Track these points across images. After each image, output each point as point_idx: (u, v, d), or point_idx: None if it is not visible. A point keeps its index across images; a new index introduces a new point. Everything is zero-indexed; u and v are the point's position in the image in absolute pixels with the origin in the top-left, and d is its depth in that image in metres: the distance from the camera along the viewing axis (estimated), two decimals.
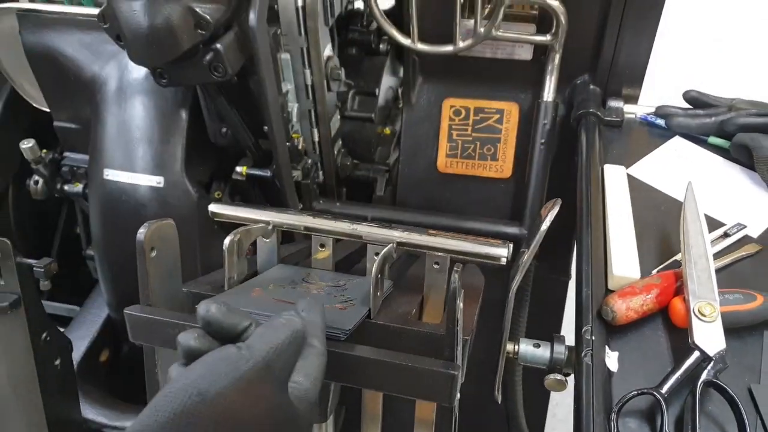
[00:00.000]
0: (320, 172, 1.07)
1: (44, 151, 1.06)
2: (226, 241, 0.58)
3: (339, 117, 1.09)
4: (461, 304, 0.49)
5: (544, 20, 0.97)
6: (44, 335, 0.84)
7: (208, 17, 0.71)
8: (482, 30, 0.92)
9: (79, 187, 1.06)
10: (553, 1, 0.90)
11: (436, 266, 0.64)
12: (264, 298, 0.57)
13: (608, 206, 0.76)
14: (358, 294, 0.61)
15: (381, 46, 1.22)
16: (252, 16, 0.74)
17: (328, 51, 0.98)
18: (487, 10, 0.94)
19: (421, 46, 0.98)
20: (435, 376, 0.48)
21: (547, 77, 0.97)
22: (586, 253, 0.68)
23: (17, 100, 1.10)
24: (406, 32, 0.99)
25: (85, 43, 0.97)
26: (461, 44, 0.95)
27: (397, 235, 0.64)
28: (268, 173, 0.92)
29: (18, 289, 0.78)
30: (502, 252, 0.62)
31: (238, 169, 0.93)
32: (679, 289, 0.63)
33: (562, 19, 0.91)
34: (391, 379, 0.49)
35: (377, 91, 1.16)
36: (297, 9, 0.87)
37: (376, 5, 0.96)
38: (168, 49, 0.72)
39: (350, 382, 0.50)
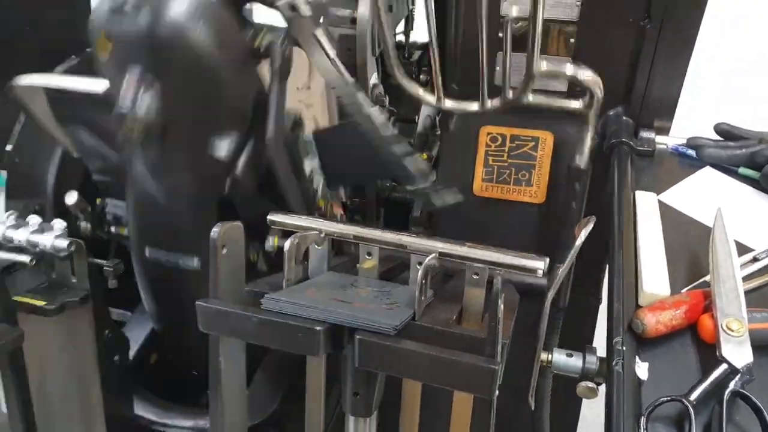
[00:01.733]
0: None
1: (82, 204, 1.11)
2: (287, 243, 0.64)
3: None
4: (502, 305, 0.54)
5: (577, 57, 1.02)
6: (107, 332, 0.91)
7: (222, 154, 0.77)
8: (510, 96, 0.89)
9: (124, 231, 1.07)
10: (587, 75, 0.85)
11: (475, 277, 0.68)
12: (318, 297, 0.62)
13: (639, 229, 0.80)
14: (403, 299, 0.66)
15: (421, 76, 1.29)
16: (270, 133, 0.79)
17: (374, 79, 1.05)
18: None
19: (447, 105, 0.95)
20: (477, 370, 0.52)
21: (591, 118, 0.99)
22: (618, 271, 0.72)
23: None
24: (447, 71, 1.03)
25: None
26: (488, 105, 0.92)
27: (440, 246, 0.69)
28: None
29: (88, 286, 0.85)
30: (539, 264, 0.66)
31: (269, 242, 0.92)
32: (708, 308, 0.67)
33: (598, 93, 0.87)
34: (437, 372, 0.53)
35: (416, 118, 1.23)
36: (331, 60, 0.91)
37: (401, 70, 0.94)
38: (187, 191, 0.80)
39: (398, 374, 0.55)
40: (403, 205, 1.20)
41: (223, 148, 0.78)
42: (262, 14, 0.81)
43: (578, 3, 1.00)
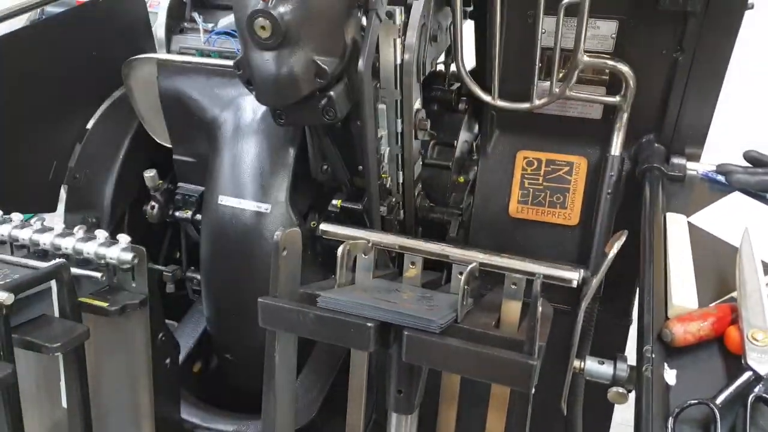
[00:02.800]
0: (401, 211, 1.19)
1: (160, 182, 1.22)
2: (339, 250, 0.70)
3: (421, 163, 1.21)
4: (540, 308, 0.59)
5: (613, 84, 1.08)
6: (161, 335, 0.97)
7: (326, 68, 0.86)
8: (557, 90, 1.04)
9: (188, 214, 1.20)
10: (623, 66, 1.00)
11: (513, 287, 0.73)
12: (367, 298, 0.68)
13: (669, 247, 0.84)
14: (445, 303, 0.71)
15: (460, 105, 1.36)
16: (361, 63, 0.88)
17: (417, 104, 1.12)
18: (562, 74, 1.05)
19: (501, 103, 1.09)
20: (517, 365, 0.57)
21: (615, 134, 1.07)
22: (649, 285, 0.76)
23: (141, 136, 1.29)
24: (486, 90, 1.11)
25: (209, 90, 1.15)
26: (537, 102, 1.07)
27: (480, 256, 0.74)
28: (359, 206, 1.05)
29: (146, 290, 0.92)
30: (574, 275, 0.71)
31: (334, 201, 1.06)
32: (735, 321, 0.70)
33: (631, 83, 1.01)
34: (479, 367, 0.58)
35: (455, 143, 1.29)
36: (396, 66, 1.01)
37: (464, 67, 1.09)
38: (290, 93, 0.87)
39: (443, 368, 0.60)
40: (440, 224, 1.25)
41: (328, 63, 0.86)
42: None
43: (613, 36, 1.05)
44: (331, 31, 0.87)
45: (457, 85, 1.45)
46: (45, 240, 0.89)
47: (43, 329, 0.79)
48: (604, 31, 1.05)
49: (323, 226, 0.82)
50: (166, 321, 1.32)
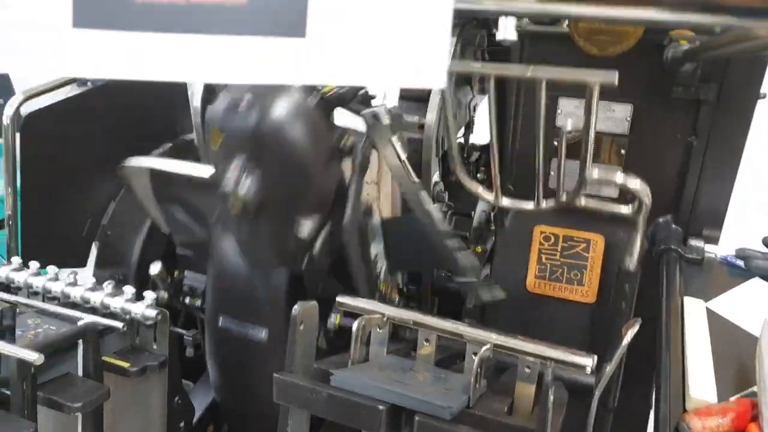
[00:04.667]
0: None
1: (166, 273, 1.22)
2: (354, 325, 0.71)
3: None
4: (552, 398, 0.59)
5: (630, 162, 1.09)
6: (177, 398, 0.98)
7: (304, 235, 0.89)
8: (564, 198, 0.96)
9: (198, 302, 1.17)
10: (635, 182, 0.92)
11: (527, 371, 0.73)
12: (381, 378, 0.68)
13: (687, 334, 0.84)
14: (458, 385, 0.71)
15: (478, 175, 1.38)
16: (346, 220, 0.90)
17: (436, 177, 1.15)
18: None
19: (504, 202, 1.03)
20: None
21: (631, 241, 1.02)
22: (665, 374, 0.76)
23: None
24: (503, 170, 1.12)
25: (206, 204, 1.09)
26: (543, 204, 0.98)
27: (494, 337, 0.75)
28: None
29: (167, 353, 0.93)
30: (588, 362, 0.71)
31: (332, 320, 1.00)
32: (755, 418, 0.69)
33: (646, 201, 0.93)
34: None
35: (473, 213, 1.31)
36: (402, 162, 1.01)
37: (464, 171, 1.04)
38: (271, 263, 0.92)
39: None
40: (457, 296, 1.25)
41: (305, 228, 0.88)
42: (347, 119, 0.94)
43: (628, 119, 1.08)
44: (305, 195, 0.91)
45: (475, 156, 1.48)
46: (75, 293, 0.92)
47: (66, 388, 0.81)
48: (619, 113, 1.08)
49: (339, 298, 0.83)
50: (185, 380, 1.34)
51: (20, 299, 0.94)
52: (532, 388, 0.72)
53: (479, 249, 1.34)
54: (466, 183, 1.04)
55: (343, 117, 0.92)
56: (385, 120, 0.93)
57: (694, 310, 0.89)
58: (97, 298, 0.92)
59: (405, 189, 0.98)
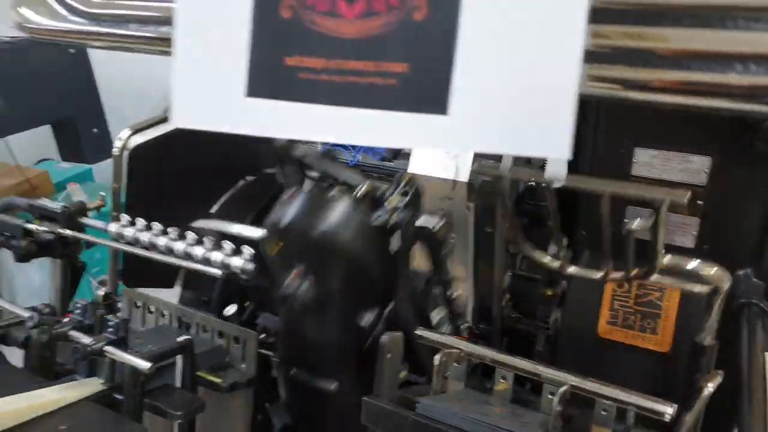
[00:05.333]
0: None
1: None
2: (436, 357, 0.76)
3: (510, 274, 1.26)
4: None
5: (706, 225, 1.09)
6: (259, 416, 1.04)
7: (364, 328, 0.93)
8: (634, 273, 0.98)
9: (270, 340, 1.26)
10: (713, 271, 0.93)
11: (603, 413, 0.75)
12: (461, 407, 0.72)
13: None
14: (535, 422, 0.74)
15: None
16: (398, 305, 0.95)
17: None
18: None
19: (570, 270, 1.08)
20: None
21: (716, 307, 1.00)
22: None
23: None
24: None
25: None
26: (612, 276, 1.02)
27: (572, 379, 0.77)
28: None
29: (254, 372, 1.00)
30: (668, 410, 0.72)
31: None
32: None
33: (724, 287, 0.94)
34: None
35: None
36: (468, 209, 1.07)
37: (528, 243, 1.10)
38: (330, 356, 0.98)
39: None
40: (527, 337, 1.28)
41: (366, 318, 0.94)
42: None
43: (706, 170, 1.09)
44: (365, 291, 0.96)
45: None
46: (179, 247, 1.04)
47: (167, 397, 0.89)
48: (696, 165, 1.09)
49: (419, 332, 0.88)
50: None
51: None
52: (609, 426, 0.74)
53: (551, 292, 1.36)
54: (528, 253, 1.09)
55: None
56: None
57: None
58: (198, 251, 1.06)
59: None
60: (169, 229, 1.08)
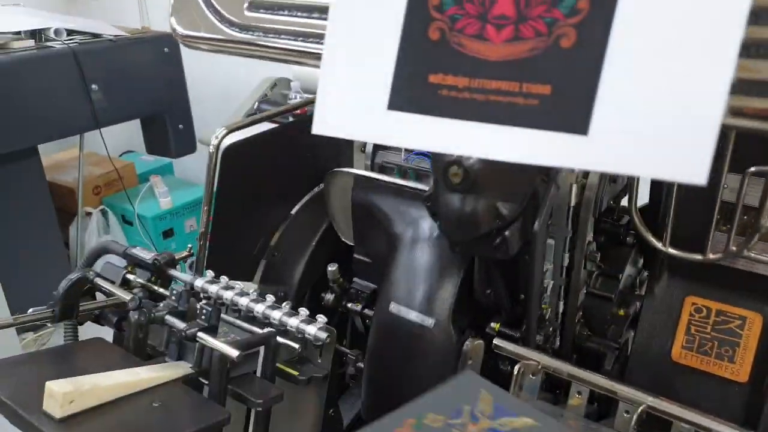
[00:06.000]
0: (558, 339, 1.23)
1: (339, 276, 1.37)
2: (516, 368, 0.78)
3: (584, 291, 1.26)
4: None
5: None
6: (331, 410, 1.08)
7: (505, 213, 0.96)
8: (734, 248, 1.03)
9: (359, 307, 1.33)
10: None
11: None
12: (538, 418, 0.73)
13: None
14: None
15: (628, 238, 1.40)
16: (537, 225, 0.98)
17: (589, 237, 1.18)
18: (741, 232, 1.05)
19: (672, 251, 1.10)
20: None
21: None
22: None
23: (330, 230, 1.48)
24: (657, 232, 1.14)
25: (396, 207, 1.29)
26: (711, 256, 1.06)
27: (650, 399, 0.77)
28: (517, 334, 1.10)
29: (329, 367, 1.04)
30: None
31: (492, 324, 1.10)
32: None
33: None
34: None
35: (620, 275, 1.32)
36: (569, 208, 1.09)
37: (637, 215, 1.13)
38: (471, 230, 0.98)
39: None
40: (595, 355, 1.27)
41: (506, 209, 0.97)
42: None
43: None
44: (514, 184, 0.99)
45: (626, 219, 1.50)
46: (258, 309, 1.06)
47: (249, 385, 0.94)
48: None
49: (497, 341, 0.90)
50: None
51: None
52: None
53: (622, 312, 1.34)
54: (642, 231, 1.11)
55: None
56: None
57: None
58: (276, 315, 1.05)
59: None
60: (251, 290, 1.12)
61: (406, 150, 1.38)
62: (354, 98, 0.46)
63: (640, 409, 0.72)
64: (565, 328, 1.22)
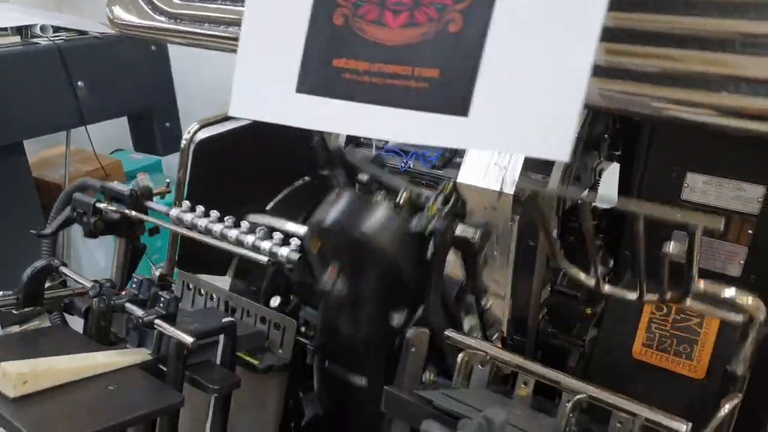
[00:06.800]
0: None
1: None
2: (459, 357, 0.79)
3: (549, 288, 1.28)
4: None
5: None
6: (291, 401, 1.10)
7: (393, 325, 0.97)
8: (668, 297, 0.93)
9: (311, 333, 1.29)
10: (748, 300, 0.88)
11: (618, 425, 0.76)
12: (478, 404, 0.75)
13: None
14: (549, 426, 0.76)
15: (596, 240, 1.41)
16: (432, 299, 0.98)
17: (553, 235, 1.20)
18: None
19: (606, 290, 1.02)
20: None
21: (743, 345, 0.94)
22: None
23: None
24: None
25: None
26: (646, 298, 1.03)
27: (591, 389, 0.79)
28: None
29: (289, 357, 1.06)
30: (681, 427, 0.73)
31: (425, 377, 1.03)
32: None
33: (760, 317, 0.89)
34: None
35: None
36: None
37: (563, 258, 1.05)
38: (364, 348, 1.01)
39: None
40: (560, 351, 1.28)
41: (397, 319, 0.98)
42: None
43: (759, 200, 1.07)
44: (398, 290, 0.99)
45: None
46: (232, 234, 1.11)
47: (206, 372, 0.95)
48: (750, 193, 1.08)
49: (447, 332, 0.91)
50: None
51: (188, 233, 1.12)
52: None
53: (590, 311, 1.36)
54: (565, 267, 1.08)
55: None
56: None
57: None
58: (249, 239, 1.12)
59: None
60: (226, 218, 1.15)
61: (377, 147, 1.40)
62: (266, 82, 0.48)
63: (577, 397, 0.74)
64: (529, 324, 1.24)
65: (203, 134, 1.48)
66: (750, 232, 1.10)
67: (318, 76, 0.47)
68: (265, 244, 1.09)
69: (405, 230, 0.97)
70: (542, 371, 0.83)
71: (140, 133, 2.76)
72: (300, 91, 0.47)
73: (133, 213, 1.15)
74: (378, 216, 0.97)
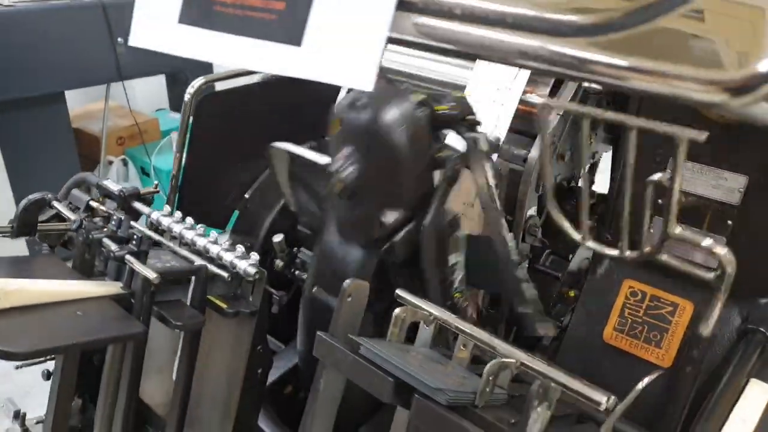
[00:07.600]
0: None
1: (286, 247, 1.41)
2: (397, 310, 0.81)
3: (526, 266, 1.27)
4: (540, 410, 0.64)
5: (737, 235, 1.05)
6: (259, 347, 1.14)
7: (386, 221, 1.00)
8: (647, 250, 0.96)
9: (304, 275, 1.35)
10: (722, 250, 0.87)
11: (540, 390, 0.77)
12: (408, 358, 0.77)
13: (733, 413, 0.81)
14: (471, 385, 0.77)
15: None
16: (426, 220, 1.00)
17: (531, 212, 1.20)
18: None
19: (589, 244, 1.05)
20: None
21: (712, 310, 0.94)
22: None
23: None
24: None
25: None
26: (626, 254, 1.01)
27: (524, 357, 0.80)
28: None
29: (258, 305, 1.10)
30: (602, 399, 0.73)
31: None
32: None
33: (729, 269, 0.87)
34: None
35: (570, 256, 1.33)
36: (489, 186, 1.08)
37: (555, 207, 1.08)
38: (357, 236, 1.04)
39: None
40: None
41: (390, 217, 1.00)
42: (450, 137, 1.05)
43: (741, 190, 1.05)
44: (395, 192, 1.01)
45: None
46: (201, 242, 1.12)
47: (174, 310, 1.01)
48: (731, 183, 1.05)
49: (399, 291, 0.93)
50: (278, 342, 1.51)
51: (162, 239, 1.17)
52: (545, 404, 0.76)
53: (572, 294, 1.35)
54: (556, 217, 1.08)
55: (446, 134, 1.03)
56: (483, 147, 1.02)
57: (756, 393, 0.85)
58: (214, 249, 1.11)
59: (487, 210, 1.06)
60: (198, 226, 1.17)
61: None
62: (156, 14, 0.52)
63: (501, 360, 0.75)
64: (502, 299, 1.24)
65: (207, 90, 1.52)
66: (729, 222, 1.07)
67: (194, 8, 0.50)
68: (228, 256, 1.10)
69: (417, 124, 1.00)
70: (480, 335, 0.84)
71: (176, 93, 2.85)
72: (182, 22, 0.50)
73: (99, 207, 1.19)
74: (396, 108, 1.00)
